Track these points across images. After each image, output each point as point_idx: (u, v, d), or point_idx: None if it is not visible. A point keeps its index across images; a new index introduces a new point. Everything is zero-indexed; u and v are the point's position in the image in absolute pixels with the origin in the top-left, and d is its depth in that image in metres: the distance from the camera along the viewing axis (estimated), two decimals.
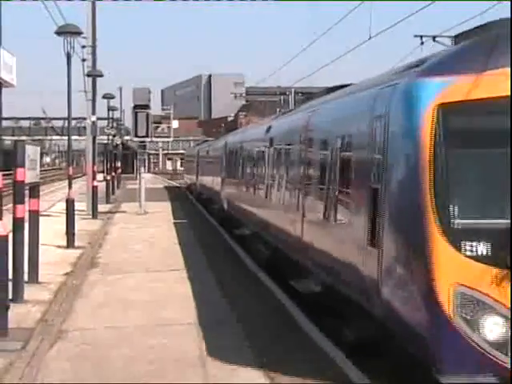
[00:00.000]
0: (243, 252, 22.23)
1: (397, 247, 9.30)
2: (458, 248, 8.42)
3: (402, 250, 9.19)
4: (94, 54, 37.34)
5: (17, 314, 12.76)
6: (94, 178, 35.16)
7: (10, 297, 12.73)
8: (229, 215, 29.83)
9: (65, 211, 24.17)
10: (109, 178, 47.95)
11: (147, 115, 35.84)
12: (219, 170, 33.91)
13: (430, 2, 18.40)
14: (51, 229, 23.99)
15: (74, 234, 23.26)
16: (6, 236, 12.03)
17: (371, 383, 9.62)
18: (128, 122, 66.71)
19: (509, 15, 10.88)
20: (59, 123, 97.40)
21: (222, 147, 33.48)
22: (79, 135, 68.52)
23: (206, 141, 60.39)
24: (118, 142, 64.91)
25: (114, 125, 60.08)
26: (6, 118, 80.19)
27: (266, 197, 19.64)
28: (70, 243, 22.82)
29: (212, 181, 38.11)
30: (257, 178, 22.05)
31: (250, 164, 23.99)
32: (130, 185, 60.88)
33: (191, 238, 25.79)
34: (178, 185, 71.56)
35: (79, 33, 24.76)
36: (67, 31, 23.70)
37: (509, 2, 15.31)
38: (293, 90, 61.57)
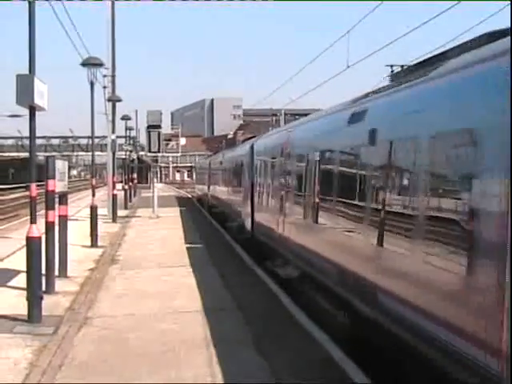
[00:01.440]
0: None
1: None
2: None
3: None
4: (113, 82, 37.37)
5: (49, 304, 12.77)
6: (113, 188, 35.10)
7: (44, 289, 12.73)
8: (254, 238, 20.96)
9: (89, 216, 24.17)
10: (126, 187, 47.89)
11: (159, 134, 35.86)
12: (237, 182, 26.20)
13: (400, 35, 18.28)
14: (78, 231, 23.97)
15: (97, 236, 23.27)
16: (40, 237, 12.07)
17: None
18: (143, 140, 66.54)
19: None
20: (84, 141, 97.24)
21: (246, 154, 23.74)
22: (101, 151, 68.28)
23: (217, 152, 53.50)
24: (134, 157, 64.78)
25: (131, 142, 60.01)
26: (39, 137, 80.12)
27: (363, 234, 9.88)
28: (94, 243, 22.84)
29: (228, 195, 30.18)
30: (328, 198, 11.92)
31: (308, 176, 13.64)
32: (144, 193, 60.73)
33: (199, 243, 25.74)
34: (189, 196, 67.44)
35: (101, 64, 24.75)
36: (91, 63, 23.69)
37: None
38: (283, 111, 61.77)
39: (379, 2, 16.84)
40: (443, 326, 7.10)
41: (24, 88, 11.52)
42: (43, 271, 12.77)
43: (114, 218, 33.02)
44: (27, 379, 8.77)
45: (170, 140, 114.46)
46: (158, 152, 36.82)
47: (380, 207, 9.28)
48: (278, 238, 16.63)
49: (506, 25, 7.88)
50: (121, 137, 53.36)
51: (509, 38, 6.62)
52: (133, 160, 62.72)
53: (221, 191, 34.33)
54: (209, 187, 43.47)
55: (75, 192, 65.73)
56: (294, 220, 14.91)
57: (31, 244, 11.84)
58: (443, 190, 7.53)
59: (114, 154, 37.08)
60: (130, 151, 58.40)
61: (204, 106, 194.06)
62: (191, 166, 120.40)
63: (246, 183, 23.06)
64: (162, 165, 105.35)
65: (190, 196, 66.57)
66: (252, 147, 22.77)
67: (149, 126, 35.90)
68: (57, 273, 15.12)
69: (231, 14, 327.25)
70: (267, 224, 18.38)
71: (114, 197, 34.08)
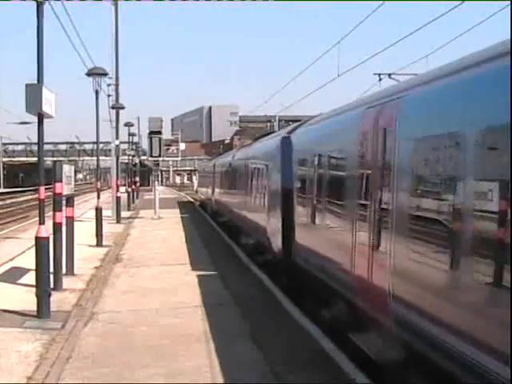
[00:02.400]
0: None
1: None
2: None
3: None
4: (117, 90, 37.39)
5: (57, 300, 12.79)
6: (117, 190, 35.09)
7: (52, 286, 12.73)
8: (289, 263, 14.38)
9: (94, 217, 24.17)
10: (129, 190, 47.90)
11: (160, 139, 35.80)
12: (255, 187, 19.78)
13: (386, 46, 18.16)
14: (84, 231, 23.94)
15: (102, 236, 23.27)
16: (48, 237, 12.09)
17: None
18: (145, 145, 66.54)
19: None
20: (89, 146, 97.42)
21: (274, 152, 16.58)
22: (105, 156, 68.42)
23: (220, 154, 47.78)
24: (137, 161, 64.84)
25: (134, 147, 60.01)
26: (47, 143, 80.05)
27: None
28: (99, 243, 22.83)
29: (240, 201, 23.32)
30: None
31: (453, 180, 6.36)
32: (146, 195, 60.69)
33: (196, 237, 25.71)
34: (188, 198, 65.56)
35: (105, 74, 24.71)
36: (96, 73, 23.66)
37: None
38: (277, 117, 61.85)
39: (371, 10, 16.90)
40: None
41: (33, 97, 11.55)
42: (51, 269, 12.76)
43: (118, 219, 32.99)
44: (37, 370, 8.78)
45: (170, 145, 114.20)
46: (159, 156, 36.76)
47: None
48: (353, 285, 9.48)
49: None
50: (124, 142, 53.40)
51: None
52: (135, 164, 62.76)
53: (229, 196, 27.96)
54: (213, 192, 38.09)
55: (81, 195, 65.62)
56: (409, 264, 7.35)
57: (40, 244, 11.86)
58: None
59: (117, 158, 37.07)
60: (133, 156, 58.43)
61: (202, 113, 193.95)
62: (190, 170, 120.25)
63: (274, 189, 16.34)
64: (163, 168, 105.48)
65: (189, 198, 66.41)
66: (286, 140, 15.70)
67: (150, 132, 35.88)
68: (64, 271, 15.11)
69: (230, 23, 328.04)
70: (324, 253, 11.40)
71: (118, 199, 34.06)
